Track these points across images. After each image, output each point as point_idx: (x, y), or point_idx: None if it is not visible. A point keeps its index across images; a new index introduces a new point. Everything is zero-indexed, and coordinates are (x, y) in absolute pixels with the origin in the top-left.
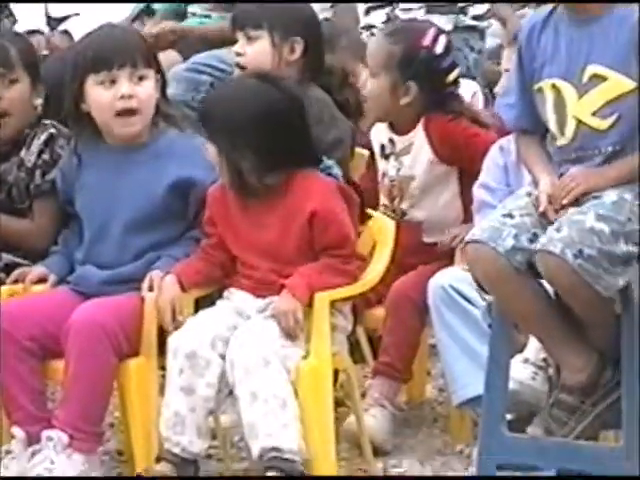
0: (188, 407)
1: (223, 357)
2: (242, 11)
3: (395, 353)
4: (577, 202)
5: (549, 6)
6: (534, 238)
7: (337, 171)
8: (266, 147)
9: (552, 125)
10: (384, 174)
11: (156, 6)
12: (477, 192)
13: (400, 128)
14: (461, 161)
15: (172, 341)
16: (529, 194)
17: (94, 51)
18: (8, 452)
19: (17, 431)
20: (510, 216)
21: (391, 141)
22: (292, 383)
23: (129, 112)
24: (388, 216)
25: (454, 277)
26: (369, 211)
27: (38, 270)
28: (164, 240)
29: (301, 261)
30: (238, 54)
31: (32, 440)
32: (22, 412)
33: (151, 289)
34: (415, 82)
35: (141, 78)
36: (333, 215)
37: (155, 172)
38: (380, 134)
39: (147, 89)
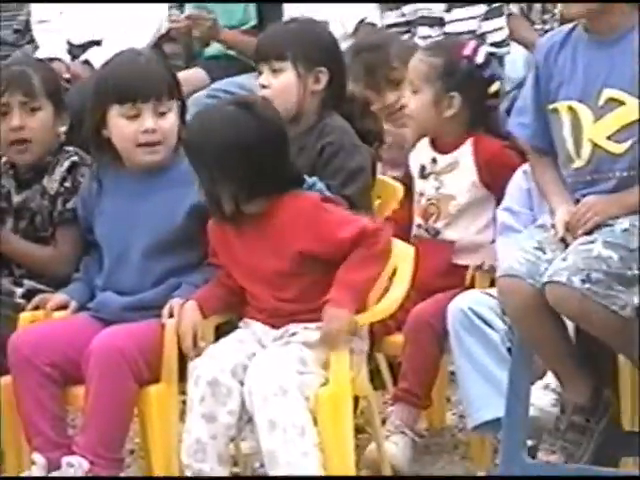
0: (209, 434)
1: (243, 384)
2: (265, 42)
3: (414, 379)
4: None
5: (568, 25)
6: None
7: (321, 186)
8: (242, 176)
9: (569, 146)
10: (421, 194)
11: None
12: (500, 215)
13: (444, 145)
14: (502, 190)
15: (193, 368)
16: (554, 225)
17: (119, 81)
18: (28, 479)
19: (37, 457)
20: (542, 251)
21: (433, 160)
22: (311, 411)
23: (152, 144)
24: (420, 235)
25: (474, 300)
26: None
27: (59, 297)
28: (183, 265)
29: (297, 283)
30: (263, 86)
31: (52, 466)
32: (42, 438)
33: (171, 316)
34: (458, 93)
35: (165, 111)
36: (327, 226)
37: (175, 197)
38: (421, 154)
39: (170, 121)
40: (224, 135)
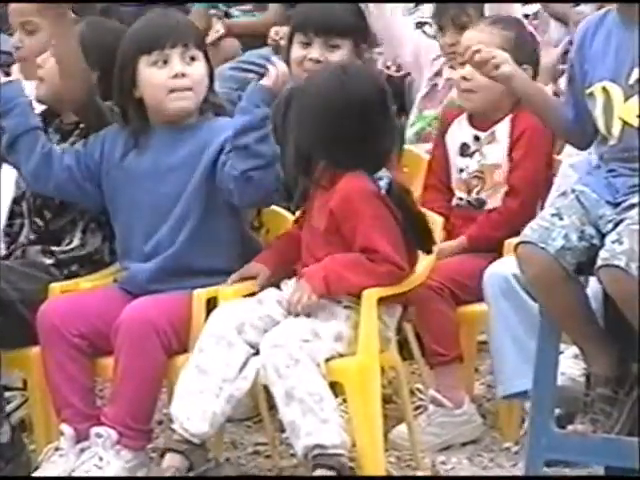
0: (198, 387)
1: (251, 345)
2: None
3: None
4: (630, 207)
5: (604, 9)
6: (583, 235)
7: (385, 184)
8: (333, 146)
9: (600, 126)
10: (462, 170)
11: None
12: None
13: (482, 123)
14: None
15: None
16: (573, 190)
17: (145, 32)
18: (57, 449)
19: (66, 428)
20: (559, 217)
21: (476, 138)
22: (323, 376)
23: (182, 90)
24: (462, 206)
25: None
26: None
27: None
28: (205, 222)
29: (327, 246)
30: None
31: (80, 437)
32: (71, 409)
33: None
34: (529, 65)
35: (193, 58)
36: (355, 220)
37: (198, 151)
38: (461, 133)
39: (199, 69)
40: (312, 101)
